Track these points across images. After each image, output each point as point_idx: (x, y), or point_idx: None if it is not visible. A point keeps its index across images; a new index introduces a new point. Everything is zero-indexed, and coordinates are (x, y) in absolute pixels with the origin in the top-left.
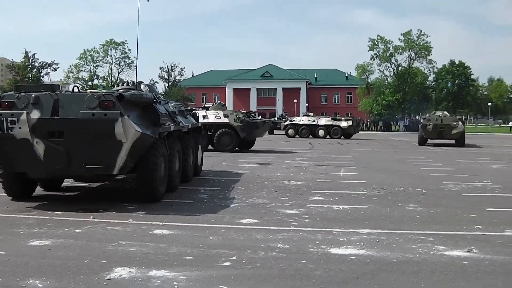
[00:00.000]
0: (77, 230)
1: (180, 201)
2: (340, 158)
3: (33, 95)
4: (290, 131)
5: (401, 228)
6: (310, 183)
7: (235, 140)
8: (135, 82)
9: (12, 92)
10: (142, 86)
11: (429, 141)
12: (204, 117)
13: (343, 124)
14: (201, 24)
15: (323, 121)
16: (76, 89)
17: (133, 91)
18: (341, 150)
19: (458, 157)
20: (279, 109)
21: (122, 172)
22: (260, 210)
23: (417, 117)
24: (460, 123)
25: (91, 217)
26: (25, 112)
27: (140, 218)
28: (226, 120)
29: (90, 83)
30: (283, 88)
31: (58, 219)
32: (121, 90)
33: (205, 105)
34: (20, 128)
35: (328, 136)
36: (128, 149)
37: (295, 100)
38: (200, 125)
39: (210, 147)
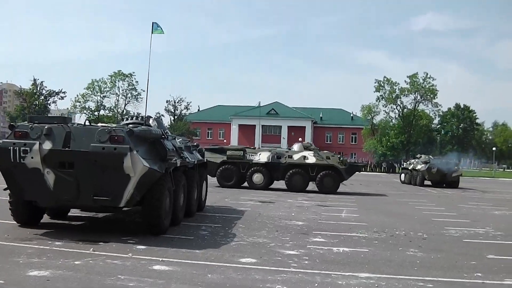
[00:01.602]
0: (77, 262)
1: (181, 237)
2: (342, 199)
3: (46, 127)
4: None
5: (401, 273)
6: (312, 224)
7: (337, 182)
8: (144, 116)
9: (26, 122)
10: (151, 121)
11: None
12: (304, 158)
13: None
14: (208, 57)
15: None
16: (87, 123)
17: (142, 127)
18: (344, 191)
19: (461, 202)
20: (283, 147)
21: (128, 204)
22: (260, 250)
23: None
24: (460, 167)
25: (91, 249)
26: (37, 142)
27: (140, 252)
28: (329, 162)
29: (96, 113)
30: (288, 126)
31: (58, 249)
32: (130, 125)
33: (306, 143)
34: (32, 157)
35: None
36: (135, 183)
37: (300, 139)
38: (205, 160)
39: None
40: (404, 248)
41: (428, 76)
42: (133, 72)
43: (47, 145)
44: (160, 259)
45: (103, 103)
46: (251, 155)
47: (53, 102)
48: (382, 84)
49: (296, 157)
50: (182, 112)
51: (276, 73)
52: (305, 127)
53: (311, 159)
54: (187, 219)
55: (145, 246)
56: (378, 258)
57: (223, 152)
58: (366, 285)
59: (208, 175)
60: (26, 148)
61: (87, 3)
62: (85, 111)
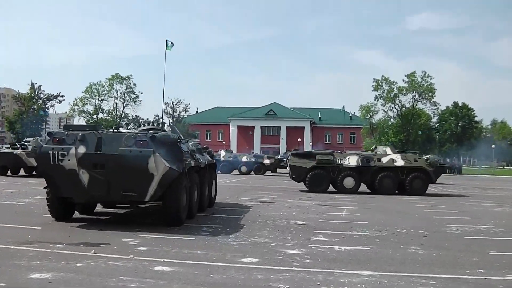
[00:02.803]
0: (78, 264)
1: (182, 237)
2: (342, 198)
3: (80, 133)
4: None
5: (403, 271)
6: (312, 223)
7: (426, 184)
8: (159, 122)
9: (62, 130)
10: (166, 126)
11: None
12: (393, 160)
13: (266, 161)
14: (205, 60)
15: (245, 158)
16: (115, 130)
17: (162, 132)
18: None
19: (461, 199)
20: (282, 147)
21: (152, 199)
22: (261, 249)
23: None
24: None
25: (92, 251)
26: (73, 147)
27: (141, 253)
28: (418, 164)
29: (95, 116)
30: (287, 127)
31: (60, 252)
32: (151, 131)
33: (391, 147)
34: (69, 160)
35: (252, 172)
36: (158, 181)
37: (299, 139)
38: (214, 161)
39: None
40: (406, 245)
41: (426, 75)
42: (131, 75)
43: (82, 149)
44: (162, 260)
45: (101, 106)
46: (340, 159)
47: (51, 106)
48: (380, 84)
49: (384, 160)
50: (181, 114)
51: (272, 74)
52: (303, 127)
53: (399, 162)
54: (188, 220)
55: (146, 247)
56: (380, 256)
57: (311, 157)
58: (368, 283)
59: (294, 180)
60: (64, 152)
61: (81, 7)
62: (83, 115)
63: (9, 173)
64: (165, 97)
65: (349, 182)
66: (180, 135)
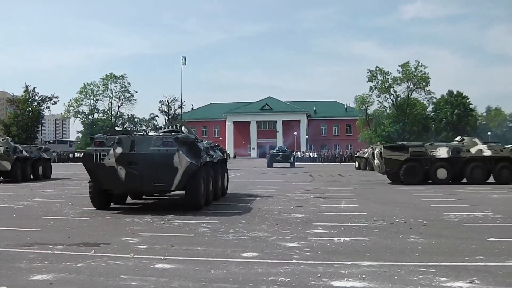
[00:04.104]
0: (79, 265)
1: (181, 235)
2: (340, 190)
3: (116, 137)
4: None
5: (403, 260)
6: (311, 216)
7: None
8: (177, 125)
9: (101, 134)
10: (183, 128)
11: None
12: (481, 151)
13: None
14: (199, 56)
15: None
16: (145, 134)
17: (183, 134)
18: (342, 182)
19: (459, 187)
20: (279, 141)
21: (177, 189)
22: (261, 243)
23: None
24: None
25: (93, 251)
26: (112, 148)
27: (141, 252)
28: (504, 153)
29: (90, 117)
30: (283, 121)
31: (60, 253)
32: (173, 133)
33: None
34: (108, 159)
35: None
36: (181, 173)
37: (295, 132)
38: (225, 157)
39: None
40: (405, 235)
41: (420, 64)
42: (125, 74)
43: (119, 150)
44: (162, 258)
45: (96, 107)
46: (431, 151)
47: (46, 107)
48: (375, 74)
49: (473, 150)
50: (176, 111)
51: (266, 69)
52: (299, 120)
53: (487, 152)
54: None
55: (146, 245)
56: (379, 246)
57: (404, 149)
58: (369, 273)
59: (385, 174)
60: (104, 153)
61: (71, 7)
62: (79, 115)
63: None
64: (160, 95)
65: (442, 173)
66: (196, 135)
